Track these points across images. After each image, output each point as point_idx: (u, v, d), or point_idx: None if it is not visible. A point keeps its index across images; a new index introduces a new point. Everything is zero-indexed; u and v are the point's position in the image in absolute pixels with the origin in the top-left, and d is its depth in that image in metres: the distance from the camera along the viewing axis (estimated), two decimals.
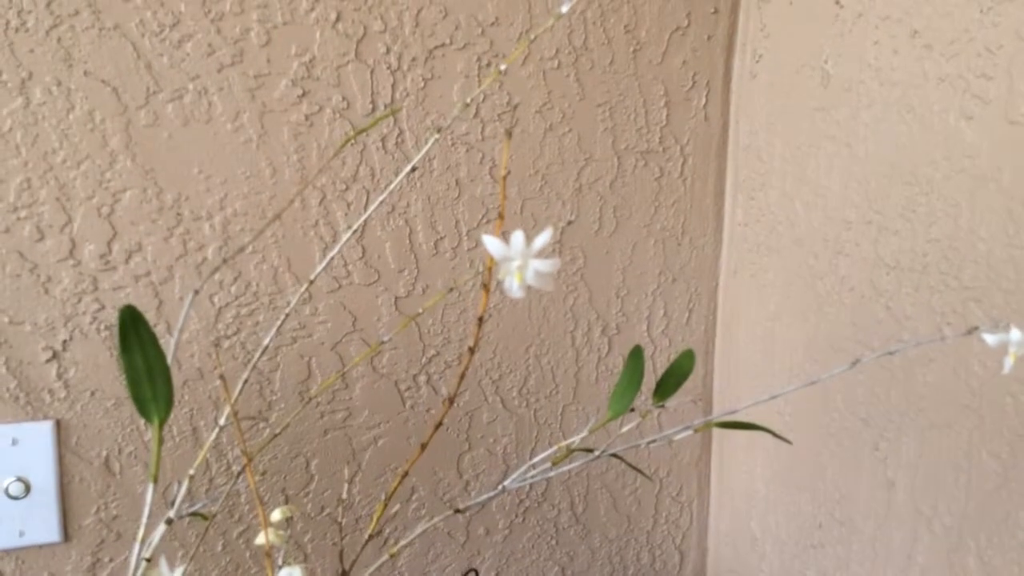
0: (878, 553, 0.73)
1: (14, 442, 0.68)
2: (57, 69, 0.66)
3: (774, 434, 0.48)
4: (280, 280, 0.74)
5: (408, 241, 0.78)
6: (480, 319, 0.40)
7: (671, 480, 0.92)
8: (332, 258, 0.42)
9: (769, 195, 0.85)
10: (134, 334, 0.34)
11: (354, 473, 0.79)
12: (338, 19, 0.73)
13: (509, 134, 0.35)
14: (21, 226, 0.67)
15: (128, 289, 0.70)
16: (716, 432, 0.92)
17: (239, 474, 0.41)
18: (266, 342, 0.41)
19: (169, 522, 0.40)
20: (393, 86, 0.76)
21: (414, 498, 0.82)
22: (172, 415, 0.72)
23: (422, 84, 0.77)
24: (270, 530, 0.45)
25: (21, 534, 0.69)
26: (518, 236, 0.37)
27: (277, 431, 0.53)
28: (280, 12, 0.72)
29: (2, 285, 0.67)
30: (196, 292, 0.44)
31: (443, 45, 0.77)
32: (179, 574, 0.41)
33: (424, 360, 0.80)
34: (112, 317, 0.70)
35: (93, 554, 0.72)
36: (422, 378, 0.80)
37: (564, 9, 0.35)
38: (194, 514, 0.43)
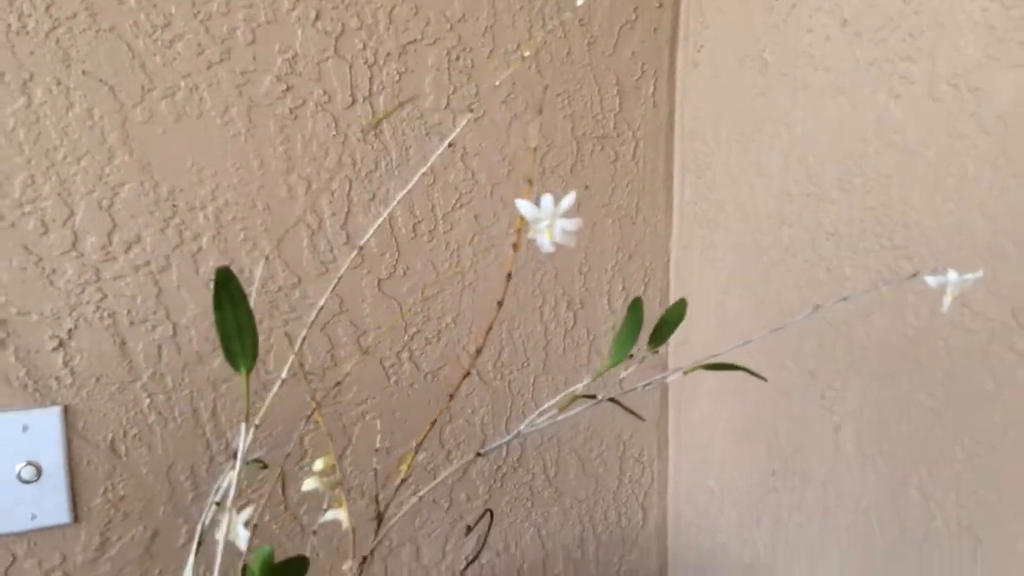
0: (829, 494, 0.81)
1: (24, 428, 0.71)
2: (57, 69, 0.69)
3: (751, 372, 0.55)
4: (271, 266, 0.78)
5: (388, 225, 0.83)
6: (508, 275, 0.46)
7: (633, 443, 0.99)
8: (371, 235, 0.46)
9: (716, 175, 0.92)
10: (226, 293, 0.39)
11: (344, 447, 0.83)
12: (317, 17, 0.78)
13: (540, 110, 0.40)
14: (26, 221, 0.70)
15: (128, 278, 0.74)
16: (673, 396, 1.00)
17: (309, 416, 0.46)
18: (313, 316, 0.45)
19: (234, 468, 0.45)
20: (370, 80, 0.81)
21: (401, 468, 0.86)
22: (173, 397, 0.76)
23: (397, 77, 0.82)
24: (315, 478, 0.50)
25: (33, 517, 0.72)
26: (547, 199, 0.43)
27: (340, 380, 0.58)
28: (264, 12, 0.76)
29: (9, 277, 0.70)
30: (266, 258, 0.49)
31: (415, 41, 0.82)
32: (246, 516, 0.45)
33: (407, 338, 0.85)
34: (113, 305, 0.73)
35: (102, 534, 0.75)
36: (405, 355, 0.85)
37: (580, 2, 0.41)
38: (255, 461, 0.47)
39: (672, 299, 0.99)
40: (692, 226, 0.96)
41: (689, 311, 0.97)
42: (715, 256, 0.93)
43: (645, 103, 0.94)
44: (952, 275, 0.53)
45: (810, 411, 0.82)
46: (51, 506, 0.73)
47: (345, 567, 0.46)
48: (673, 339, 0.99)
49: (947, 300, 0.54)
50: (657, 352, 0.53)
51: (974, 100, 0.67)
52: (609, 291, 0.95)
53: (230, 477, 0.44)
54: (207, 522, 0.46)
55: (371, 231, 0.46)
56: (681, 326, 0.98)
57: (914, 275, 0.56)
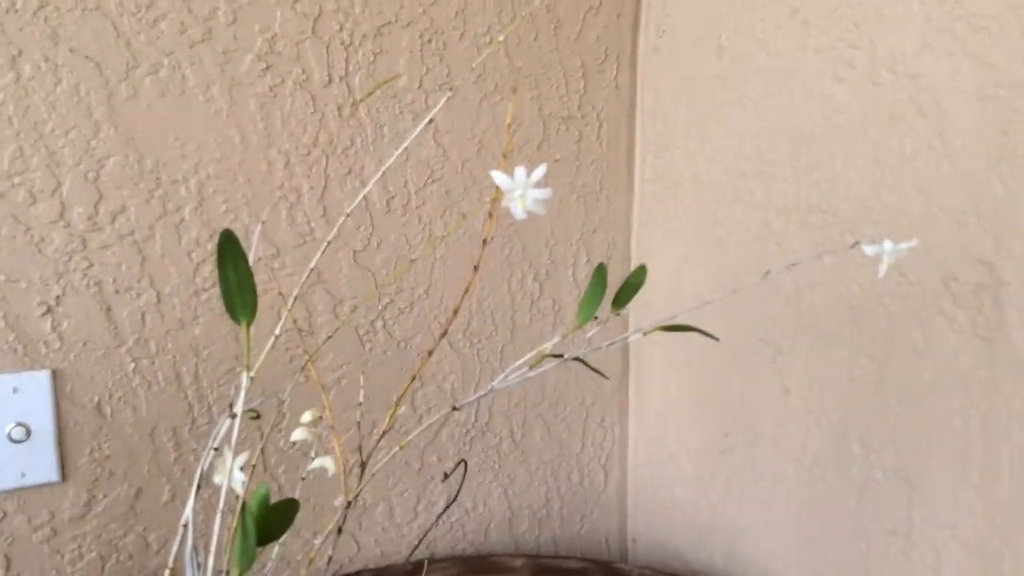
0: (778, 450, 0.87)
1: (15, 390, 0.74)
2: (45, 47, 0.72)
3: (703, 332, 0.60)
4: (251, 237, 0.82)
5: (363, 200, 0.87)
6: (484, 241, 0.50)
7: (595, 408, 1.04)
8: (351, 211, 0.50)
9: (674, 154, 0.97)
10: (229, 253, 0.42)
11: (322, 410, 0.87)
12: None
13: (514, 89, 0.44)
14: (15, 192, 0.73)
15: (114, 247, 0.77)
16: (634, 363, 1.05)
17: (303, 368, 0.50)
18: (300, 285, 0.49)
19: (233, 416, 0.49)
20: (347, 60, 0.84)
21: (375, 431, 0.91)
22: (156, 362, 0.79)
23: (372, 58, 0.85)
24: (304, 428, 0.55)
25: (23, 475, 0.76)
26: (520, 170, 0.47)
27: (330, 335, 0.62)
28: None
29: None
30: (263, 223, 0.52)
31: (389, 23, 0.86)
32: (242, 462, 0.49)
33: (380, 307, 0.89)
34: (99, 273, 0.77)
35: (89, 491, 0.79)
36: (379, 323, 0.89)
37: None
38: (249, 411, 0.51)
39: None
40: (653, 202, 1.01)
41: (649, 282, 1.02)
42: (674, 230, 0.98)
43: (608, 86, 0.99)
44: (887, 244, 0.59)
45: (761, 374, 0.88)
46: (40, 465, 0.76)
47: (337, 502, 0.50)
48: (635, 308, 1.05)
49: (883, 268, 0.59)
50: (619, 314, 0.58)
51: (912, 85, 0.72)
52: (574, 264, 1.00)
53: (228, 424, 0.48)
54: (206, 467, 0.50)
55: (358, 199, 0.49)
56: (642, 295, 1.04)
57: (854, 245, 0.61)
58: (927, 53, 0.71)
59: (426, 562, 0.86)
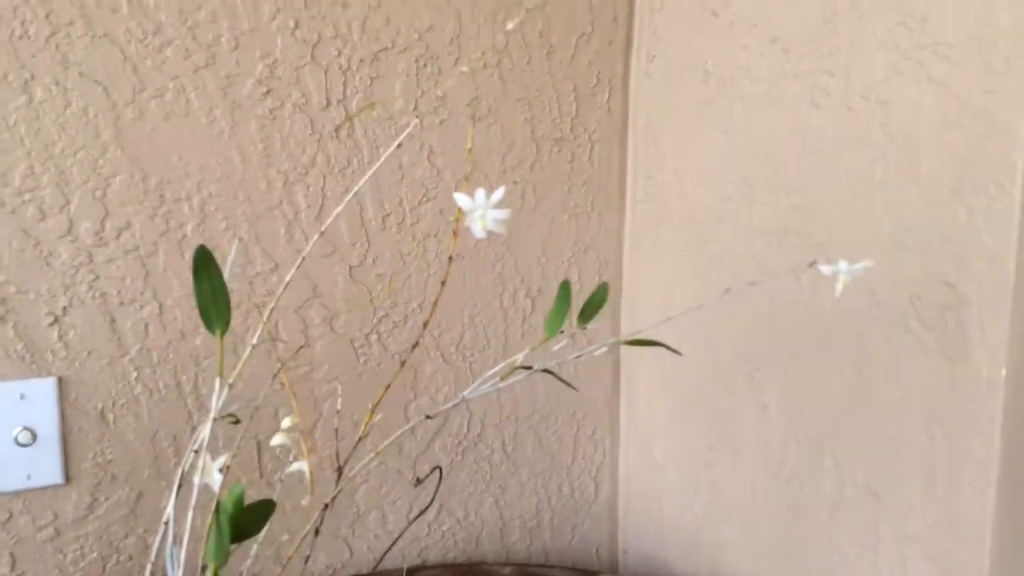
0: (758, 464, 0.89)
1: (22, 396, 0.78)
2: (55, 71, 0.77)
3: (667, 347, 0.63)
4: (250, 252, 0.86)
5: (360, 218, 0.90)
6: (450, 258, 0.53)
7: (587, 421, 1.07)
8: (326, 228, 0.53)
9: (664, 176, 1.00)
10: (204, 268, 0.46)
11: (316, 420, 0.91)
12: (296, 26, 0.85)
13: (473, 118, 0.48)
14: (25, 208, 0.77)
15: (119, 262, 0.81)
16: (624, 378, 1.08)
17: (275, 376, 0.54)
18: (279, 296, 0.53)
19: (214, 420, 0.52)
20: (344, 84, 0.88)
21: (367, 440, 0.94)
22: (158, 371, 0.83)
23: (369, 82, 0.89)
24: (283, 434, 0.58)
25: (28, 477, 0.79)
26: (480, 192, 0.50)
27: (303, 344, 0.66)
28: (247, 21, 0.83)
29: (9, 259, 0.77)
30: (240, 240, 0.56)
31: (386, 49, 0.89)
32: (221, 463, 0.53)
33: (375, 321, 0.93)
34: (104, 286, 0.81)
35: (91, 494, 0.82)
36: (373, 337, 0.93)
37: (510, 26, 0.48)
38: (229, 415, 0.55)
39: (624, 288, 1.06)
40: (643, 222, 1.04)
41: (638, 299, 1.05)
42: (663, 249, 1.01)
43: (600, 109, 1.02)
44: (843, 264, 0.61)
45: (742, 390, 0.90)
46: (45, 468, 0.80)
47: (304, 502, 0.53)
48: (625, 323, 1.07)
49: (839, 287, 0.62)
50: (585, 328, 0.61)
51: (882, 111, 0.75)
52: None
53: (207, 427, 0.52)
54: (187, 468, 0.53)
55: (331, 217, 0.53)
56: (631, 311, 1.07)
57: (811, 264, 0.64)
58: (896, 80, 0.73)
59: (404, 570, 0.89)
